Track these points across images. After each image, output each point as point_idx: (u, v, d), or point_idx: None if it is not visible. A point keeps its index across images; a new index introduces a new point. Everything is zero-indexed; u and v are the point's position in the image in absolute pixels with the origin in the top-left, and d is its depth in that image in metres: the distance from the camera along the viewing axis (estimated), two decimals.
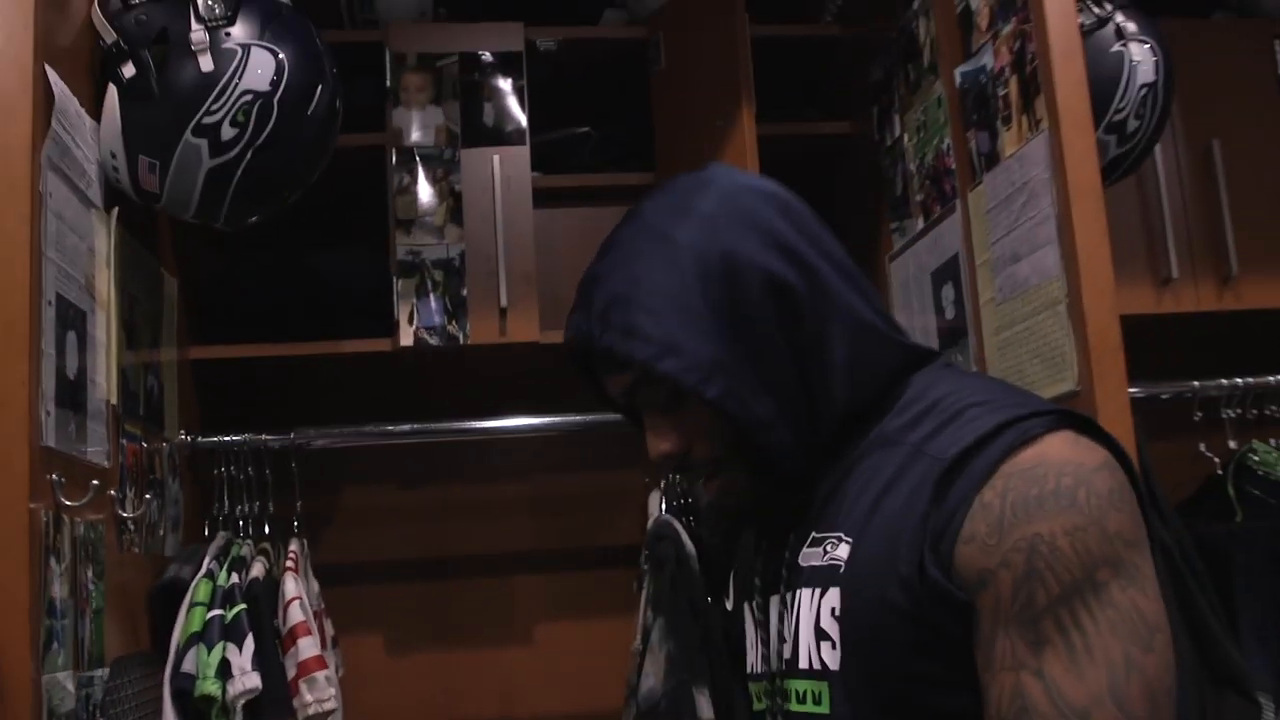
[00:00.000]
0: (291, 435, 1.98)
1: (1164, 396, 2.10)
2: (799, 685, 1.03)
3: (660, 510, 2.02)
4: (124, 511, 1.57)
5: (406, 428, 2.08)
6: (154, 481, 1.74)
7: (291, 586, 1.74)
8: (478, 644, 2.33)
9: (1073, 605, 0.91)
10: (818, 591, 1.01)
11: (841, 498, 1.03)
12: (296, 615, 1.71)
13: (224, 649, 1.62)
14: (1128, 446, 1.46)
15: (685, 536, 1.93)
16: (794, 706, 1.05)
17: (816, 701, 1.01)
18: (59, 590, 1.32)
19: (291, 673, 1.67)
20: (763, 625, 1.10)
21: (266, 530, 1.94)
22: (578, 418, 2.13)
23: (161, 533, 1.77)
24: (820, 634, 1.01)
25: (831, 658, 0.99)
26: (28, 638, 1.23)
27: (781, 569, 1.07)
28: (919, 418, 1.01)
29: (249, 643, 1.63)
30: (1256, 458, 2.13)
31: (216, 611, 1.66)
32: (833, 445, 1.05)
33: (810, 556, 1.03)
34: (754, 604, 1.12)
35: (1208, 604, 1.73)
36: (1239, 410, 2.13)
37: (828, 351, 1.02)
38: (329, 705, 1.66)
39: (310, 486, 2.03)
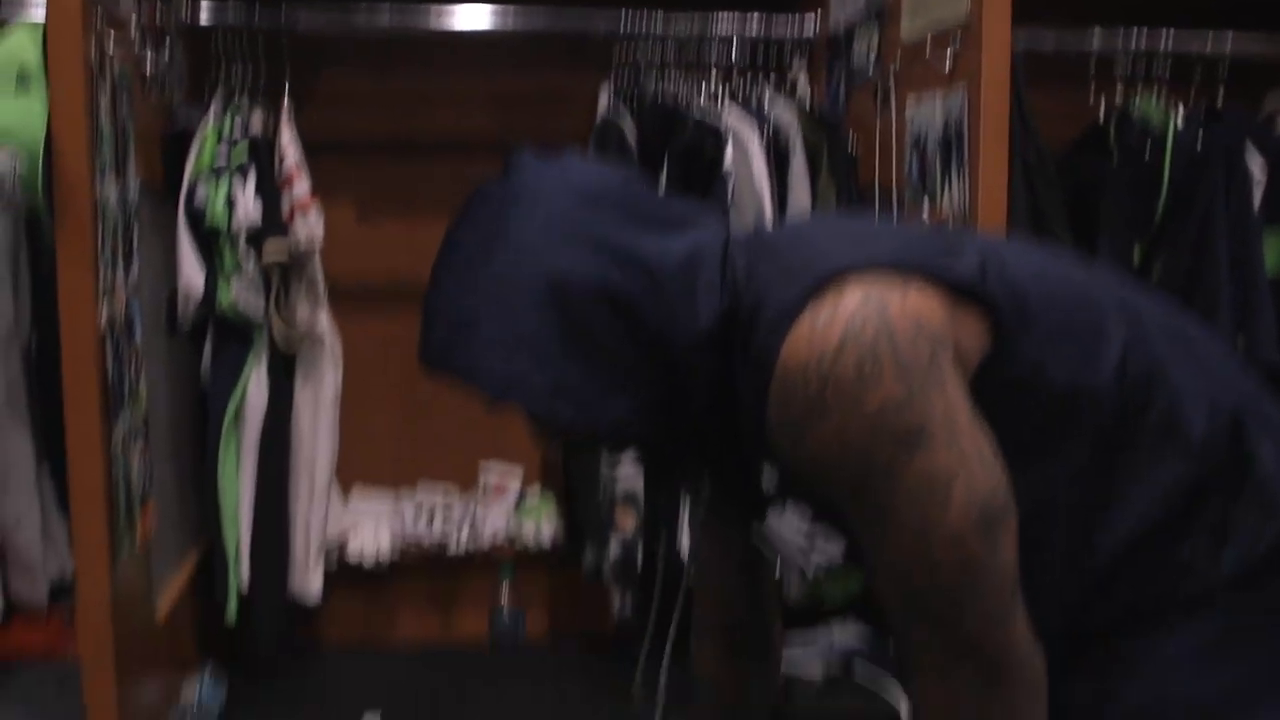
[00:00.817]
0: (283, 13, 2.20)
1: (1079, 50, 2.36)
2: (831, 582, 1.19)
3: (608, 105, 2.27)
4: (145, 63, 1.82)
5: (384, 13, 2.28)
6: (166, 42, 1.98)
7: (288, 136, 2.01)
8: (439, 220, 2.61)
9: (867, 492, 0.98)
10: (781, 508, 1.11)
11: (750, 421, 1.06)
12: (292, 160, 1.99)
13: (230, 184, 1.91)
14: (1002, 73, 1.75)
15: (630, 135, 2.19)
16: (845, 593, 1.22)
17: (853, 579, 1.13)
18: (104, 114, 1.59)
19: (287, 208, 1.97)
20: (767, 545, 1.18)
21: (260, 96, 2.19)
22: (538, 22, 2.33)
23: (169, 89, 2.02)
24: (808, 537, 1.11)
25: (832, 549, 1.10)
26: (86, 148, 1.51)
27: (746, 499, 1.16)
28: (742, 330, 1.05)
29: (252, 180, 1.92)
30: (1138, 111, 2.41)
31: (223, 153, 1.93)
32: (726, 379, 1.07)
33: (767, 481, 1.11)
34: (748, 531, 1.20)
35: (1053, 211, 2.05)
36: (1130, 67, 2.41)
37: (670, 336, 1.04)
38: (318, 234, 1.96)
39: (296, 68, 2.26)
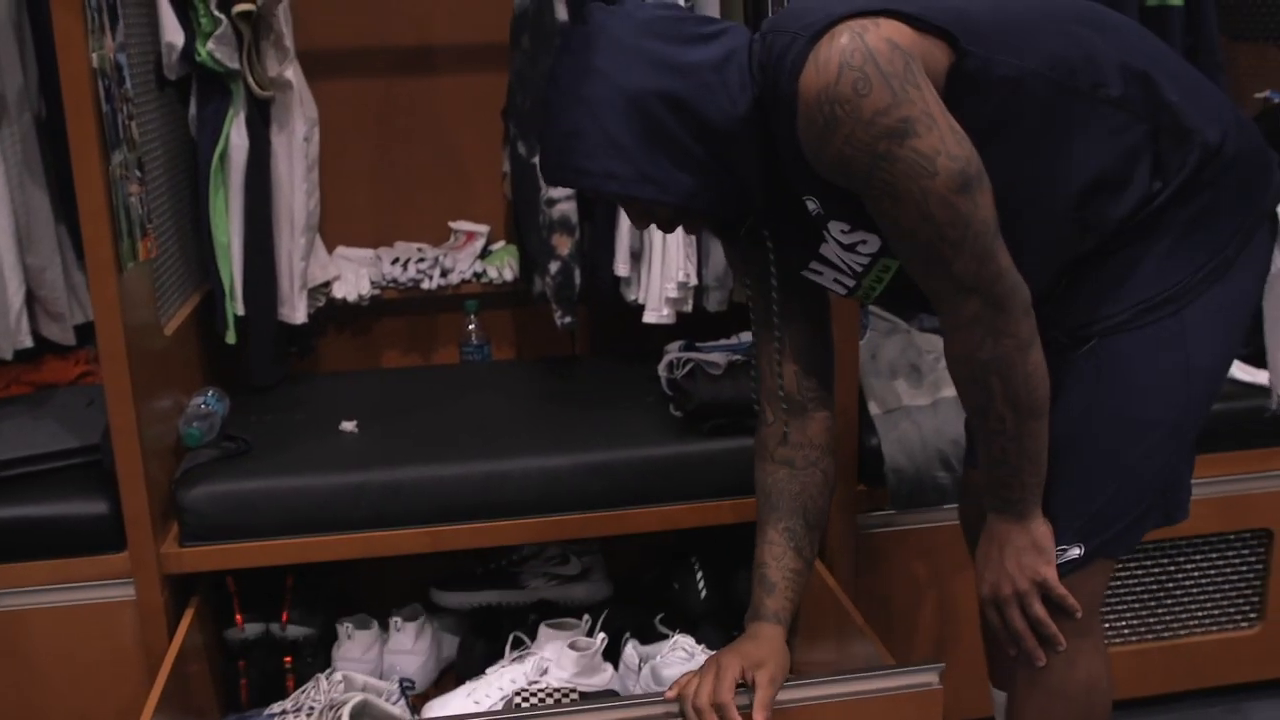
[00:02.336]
0: None
1: None
2: (869, 279, 1.53)
3: None
4: None
5: None
6: None
7: None
8: None
9: (876, 176, 1.32)
10: (831, 227, 1.48)
11: (790, 159, 1.42)
12: None
13: None
14: None
15: None
16: (877, 292, 1.55)
17: (885, 270, 1.51)
18: None
19: None
20: (827, 266, 1.55)
21: None
22: None
23: None
24: (848, 249, 1.49)
25: (870, 246, 1.47)
26: None
27: (800, 234, 1.52)
28: (772, 96, 1.39)
29: None
30: None
31: None
32: (768, 145, 1.44)
33: (812, 208, 1.48)
34: (809, 266, 1.57)
35: None
36: None
37: (718, 122, 1.39)
38: None
39: None
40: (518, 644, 2.14)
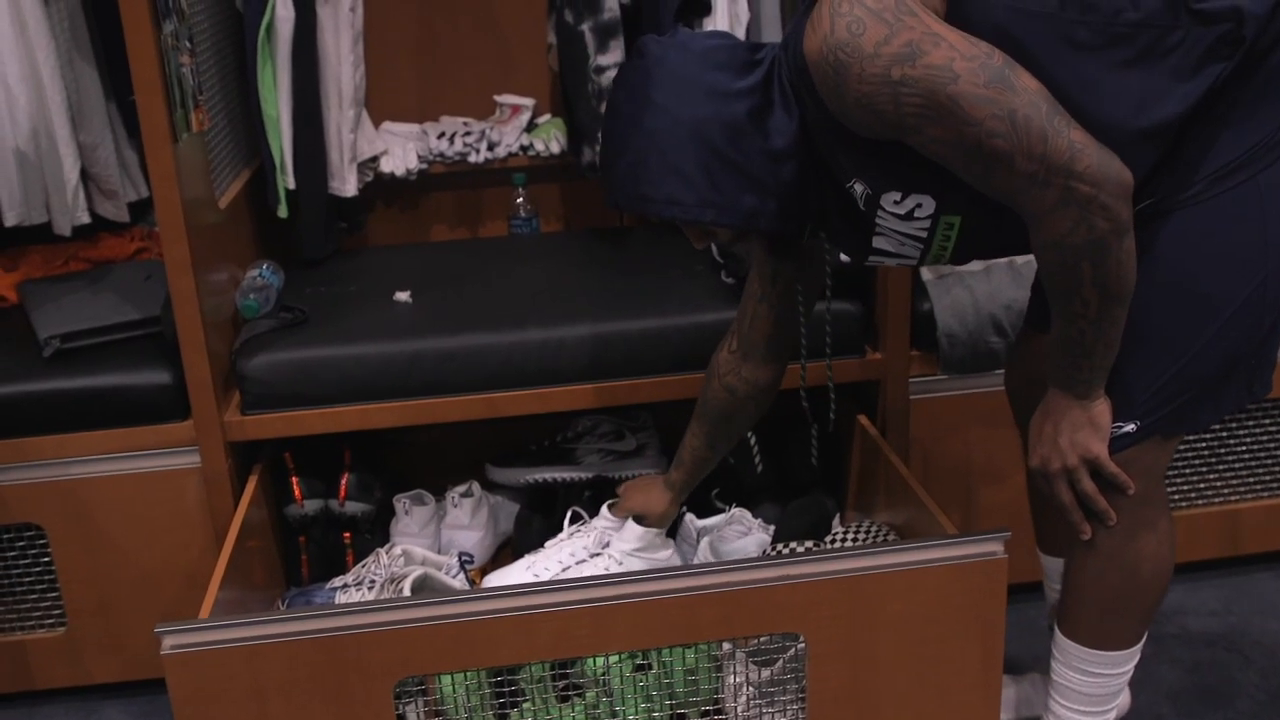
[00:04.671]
0: None
1: None
2: (936, 242, 1.53)
3: None
4: None
5: None
6: None
7: None
8: None
9: (906, 107, 1.31)
10: (884, 201, 1.48)
11: (828, 142, 1.48)
12: None
13: None
14: None
15: None
16: (949, 252, 1.55)
17: (950, 227, 1.51)
18: None
19: None
20: (887, 256, 1.58)
21: None
22: None
23: None
24: (906, 218, 1.49)
25: (926, 209, 1.48)
26: None
27: (854, 229, 1.55)
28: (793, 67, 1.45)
29: None
30: None
31: None
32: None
33: (859, 196, 1.50)
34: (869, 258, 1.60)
35: None
36: None
37: (773, 142, 1.47)
38: None
39: None
40: (575, 519, 2.16)
